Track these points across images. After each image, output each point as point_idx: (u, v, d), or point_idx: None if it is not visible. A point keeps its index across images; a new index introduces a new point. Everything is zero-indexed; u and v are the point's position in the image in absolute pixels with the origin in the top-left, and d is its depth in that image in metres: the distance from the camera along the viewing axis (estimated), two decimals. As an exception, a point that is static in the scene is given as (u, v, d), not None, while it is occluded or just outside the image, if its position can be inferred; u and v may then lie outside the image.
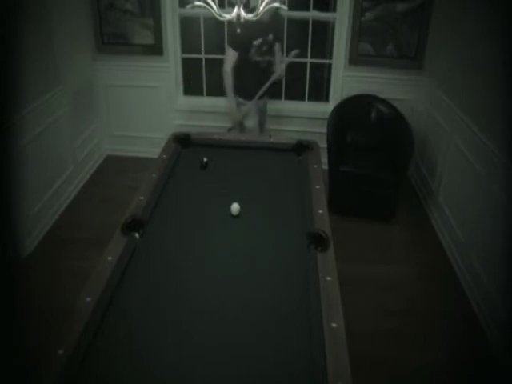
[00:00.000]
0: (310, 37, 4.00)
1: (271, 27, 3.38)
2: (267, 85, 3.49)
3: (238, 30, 2.44)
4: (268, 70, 3.51)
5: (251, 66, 3.42)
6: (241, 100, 3.56)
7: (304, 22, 4.02)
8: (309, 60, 4.10)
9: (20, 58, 2.99)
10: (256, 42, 3.31)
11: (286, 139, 2.97)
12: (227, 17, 2.42)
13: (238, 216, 2.21)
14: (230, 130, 3.56)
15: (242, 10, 2.38)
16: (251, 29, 3.16)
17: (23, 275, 2.93)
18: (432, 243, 3.39)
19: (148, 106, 4.28)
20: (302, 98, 4.28)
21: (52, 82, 3.47)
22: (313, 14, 3.95)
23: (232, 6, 2.38)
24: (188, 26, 4.22)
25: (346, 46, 3.92)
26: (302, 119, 4.13)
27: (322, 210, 2.18)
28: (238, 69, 3.46)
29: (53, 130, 3.47)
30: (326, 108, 4.06)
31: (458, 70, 3.33)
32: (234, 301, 1.74)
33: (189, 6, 2.49)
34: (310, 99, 4.27)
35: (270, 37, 3.37)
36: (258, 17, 2.48)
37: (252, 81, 3.50)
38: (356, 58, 3.93)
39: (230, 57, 3.37)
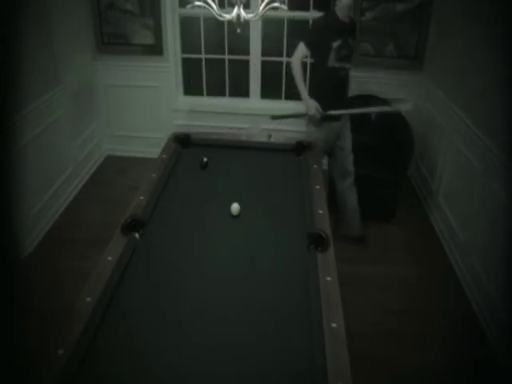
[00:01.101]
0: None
1: (351, 30, 3.02)
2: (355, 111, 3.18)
3: (238, 31, 2.44)
4: (346, 79, 3.12)
5: (329, 73, 3.01)
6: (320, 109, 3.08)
7: (304, 22, 4.02)
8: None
9: (20, 57, 2.99)
10: (335, 44, 2.92)
11: (286, 139, 2.97)
12: (227, 17, 2.42)
13: (238, 216, 2.21)
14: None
15: (241, 10, 2.39)
16: (329, 27, 2.95)
17: (23, 275, 2.93)
18: (432, 243, 3.39)
19: (148, 105, 4.28)
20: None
21: (52, 82, 3.47)
22: (313, 14, 3.94)
23: (232, 5, 2.38)
24: (188, 26, 4.23)
25: (346, 45, 3.91)
26: (302, 119, 4.12)
27: (321, 210, 2.18)
28: (314, 76, 3.19)
29: (53, 129, 3.47)
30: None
31: (457, 70, 3.33)
32: (234, 301, 1.74)
33: (189, 6, 2.50)
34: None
35: (351, 41, 3.00)
36: (258, 17, 2.48)
37: (330, 92, 3.07)
38: (356, 58, 3.92)
39: (299, 51, 3.02)
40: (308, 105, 3.07)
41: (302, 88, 3.07)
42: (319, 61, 3.05)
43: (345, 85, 3.14)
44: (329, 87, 3.06)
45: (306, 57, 3.13)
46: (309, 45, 2.99)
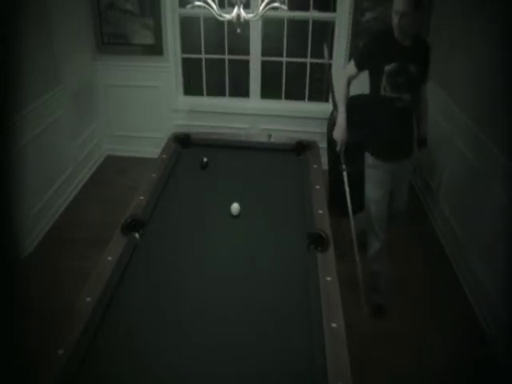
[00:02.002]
0: (310, 37, 4.00)
1: (414, 55, 2.41)
2: None
3: (238, 30, 2.44)
4: (407, 113, 2.48)
5: (382, 103, 2.47)
6: (369, 159, 2.58)
7: (304, 22, 4.02)
8: (309, 60, 4.10)
9: (20, 57, 2.99)
10: (388, 68, 2.38)
11: (286, 139, 2.97)
12: (227, 17, 2.42)
13: (237, 216, 2.21)
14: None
15: (241, 10, 2.39)
16: (382, 46, 2.44)
17: (23, 275, 2.93)
18: (432, 243, 3.39)
19: (148, 105, 4.28)
20: (302, 98, 4.28)
21: (52, 82, 3.47)
22: (313, 14, 3.95)
23: (232, 5, 2.39)
24: (188, 26, 4.23)
25: (346, 45, 3.91)
26: (302, 119, 4.13)
27: (321, 210, 2.19)
28: (365, 104, 2.64)
29: (53, 129, 3.47)
30: (326, 108, 4.06)
31: (458, 70, 3.33)
32: (234, 301, 1.74)
33: (189, 6, 2.50)
34: (309, 99, 4.27)
35: (412, 68, 2.39)
36: (258, 17, 2.48)
37: (383, 127, 2.51)
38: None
39: (347, 70, 2.62)
40: (337, 127, 2.62)
41: (341, 110, 2.61)
42: (372, 86, 2.51)
43: (406, 120, 2.51)
44: (383, 121, 2.51)
45: (355, 76, 2.58)
46: (358, 64, 2.52)
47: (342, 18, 3.86)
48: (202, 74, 4.27)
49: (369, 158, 2.59)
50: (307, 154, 2.73)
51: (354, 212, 2.78)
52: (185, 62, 4.26)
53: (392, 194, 2.65)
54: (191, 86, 4.44)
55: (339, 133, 2.61)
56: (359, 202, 2.75)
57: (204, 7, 2.42)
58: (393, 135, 2.51)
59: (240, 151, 2.80)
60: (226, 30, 4.01)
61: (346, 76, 2.60)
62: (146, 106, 4.28)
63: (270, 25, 4.15)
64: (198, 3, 2.40)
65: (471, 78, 3.09)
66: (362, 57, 2.55)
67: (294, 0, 3.85)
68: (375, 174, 2.59)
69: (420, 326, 2.67)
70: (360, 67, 2.52)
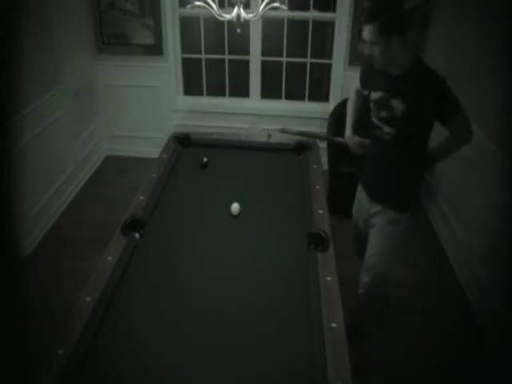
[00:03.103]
0: (310, 37, 4.00)
1: (404, 91, 1.95)
2: None
3: (238, 30, 2.45)
4: (390, 149, 2.09)
5: (371, 127, 2.17)
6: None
7: (304, 22, 4.02)
8: (309, 60, 4.11)
9: (20, 57, 2.99)
10: (374, 95, 2.08)
11: (286, 139, 2.96)
12: (227, 17, 2.43)
13: (237, 216, 2.21)
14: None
15: (241, 10, 2.39)
16: (368, 69, 2.15)
17: (23, 275, 2.93)
18: (432, 243, 3.39)
19: (148, 105, 4.28)
20: (302, 98, 4.28)
21: (52, 82, 3.47)
22: (313, 14, 3.95)
23: (232, 5, 2.39)
24: (188, 26, 4.23)
25: (346, 45, 3.91)
26: (302, 119, 4.13)
27: (321, 210, 2.19)
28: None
29: (53, 130, 3.47)
30: (326, 108, 4.06)
31: (458, 70, 3.32)
32: (234, 301, 1.74)
33: (189, 6, 2.51)
34: (309, 99, 4.27)
35: (397, 104, 1.96)
36: (258, 17, 2.49)
37: (372, 152, 2.23)
38: (356, 58, 3.93)
39: (355, 80, 2.37)
40: (346, 139, 2.38)
41: (347, 123, 2.41)
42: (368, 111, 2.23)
43: (386, 157, 2.12)
44: (372, 145, 2.22)
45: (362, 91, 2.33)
46: (360, 79, 2.30)
47: (341, 18, 3.86)
48: (202, 73, 4.27)
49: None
50: (307, 154, 2.74)
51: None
52: (185, 61, 4.26)
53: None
54: (191, 86, 4.44)
55: (351, 146, 2.36)
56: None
57: (204, 7, 2.43)
58: (370, 162, 2.25)
59: (240, 151, 2.80)
60: (226, 29, 4.01)
61: (353, 87, 2.39)
62: (146, 106, 4.28)
63: (270, 25, 4.15)
64: (197, 3, 2.41)
65: (471, 78, 3.09)
66: (361, 74, 2.29)
67: (294, 0, 3.85)
68: (357, 191, 2.45)
69: (420, 326, 2.67)
70: (362, 84, 2.29)
